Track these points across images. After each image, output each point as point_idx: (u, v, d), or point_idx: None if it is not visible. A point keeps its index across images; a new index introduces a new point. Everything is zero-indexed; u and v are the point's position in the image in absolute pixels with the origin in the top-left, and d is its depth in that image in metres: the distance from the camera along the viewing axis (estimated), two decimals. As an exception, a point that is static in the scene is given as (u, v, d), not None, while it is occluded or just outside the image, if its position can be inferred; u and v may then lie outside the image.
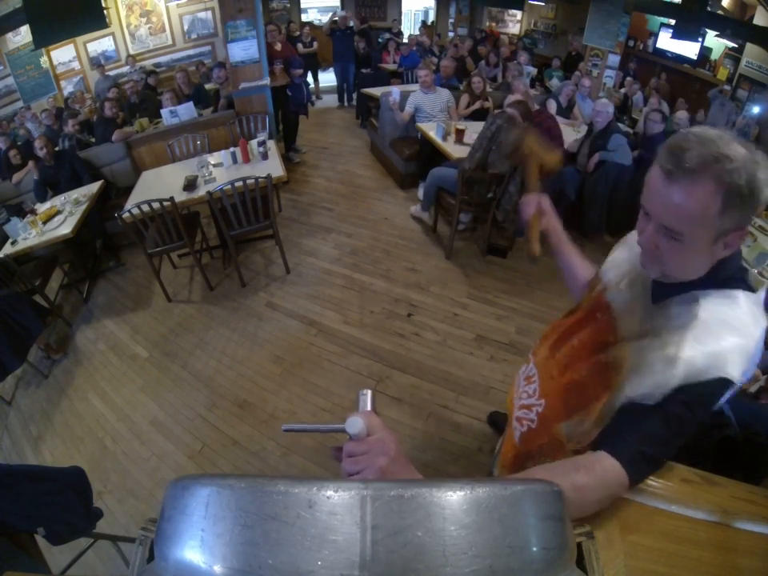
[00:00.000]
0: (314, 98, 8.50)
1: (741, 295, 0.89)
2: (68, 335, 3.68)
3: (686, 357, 0.83)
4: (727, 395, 0.85)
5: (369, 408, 0.69)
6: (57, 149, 4.58)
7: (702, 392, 0.84)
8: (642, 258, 0.94)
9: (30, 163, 4.37)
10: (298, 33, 8.08)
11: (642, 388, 0.89)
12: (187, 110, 5.12)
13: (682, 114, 4.68)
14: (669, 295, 0.94)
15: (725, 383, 0.82)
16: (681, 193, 0.78)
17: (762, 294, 0.91)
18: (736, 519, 0.96)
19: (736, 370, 0.82)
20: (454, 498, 0.38)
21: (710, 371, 0.82)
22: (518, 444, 1.24)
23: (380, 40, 8.94)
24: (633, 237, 1.13)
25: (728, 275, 0.91)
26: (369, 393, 0.71)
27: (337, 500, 0.37)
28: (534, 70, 7.55)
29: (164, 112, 5.06)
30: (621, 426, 0.92)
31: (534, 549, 0.40)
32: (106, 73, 7.69)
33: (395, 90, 5.24)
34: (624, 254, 1.16)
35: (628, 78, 7.52)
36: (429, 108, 4.96)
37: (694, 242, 0.82)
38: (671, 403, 0.85)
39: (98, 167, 4.71)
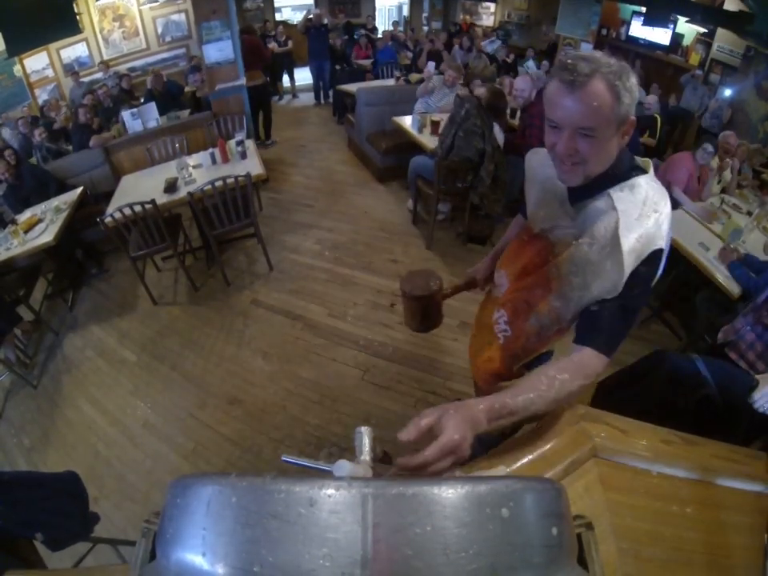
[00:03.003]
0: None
1: (641, 180, 1.05)
2: (54, 343, 3.67)
3: (627, 249, 0.98)
4: (663, 260, 1.03)
5: (367, 448, 0.69)
6: (31, 160, 4.52)
7: (647, 268, 1.01)
8: (561, 172, 1.07)
9: None
10: (273, 32, 8.05)
11: (606, 284, 1.02)
12: (149, 111, 5.05)
13: (651, 98, 4.77)
14: (583, 198, 1.11)
15: (659, 253, 1.00)
16: (585, 95, 0.94)
17: (651, 171, 1.09)
18: (718, 476, 1.00)
19: (662, 239, 1.00)
20: (454, 496, 0.38)
21: (646, 249, 0.99)
22: (503, 348, 1.39)
23: (355, 36, 8.94)
24: (538, 174, 1.31)
25: (625, 168, 1.07)
26: (364, 431, 0.71)
27: (338, 498, 0.37)
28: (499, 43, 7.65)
29: (125, 114, 5.00)
30: (594, 319, 1.07)
31: (535, 546, 0.40)
32: (81, 79, 7.58)
33: (431, 63, 5.52)
34: (539, 192, 1.31)
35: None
36: (437, 100, 5.01)
37: (604, 133, 0.97)
38: (627, 289, 1.00)
39: (76, 174, 4.67)
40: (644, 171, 1.09)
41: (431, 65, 5.41)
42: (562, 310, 1.15)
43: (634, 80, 0.96)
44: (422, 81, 5.39)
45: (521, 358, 1.34)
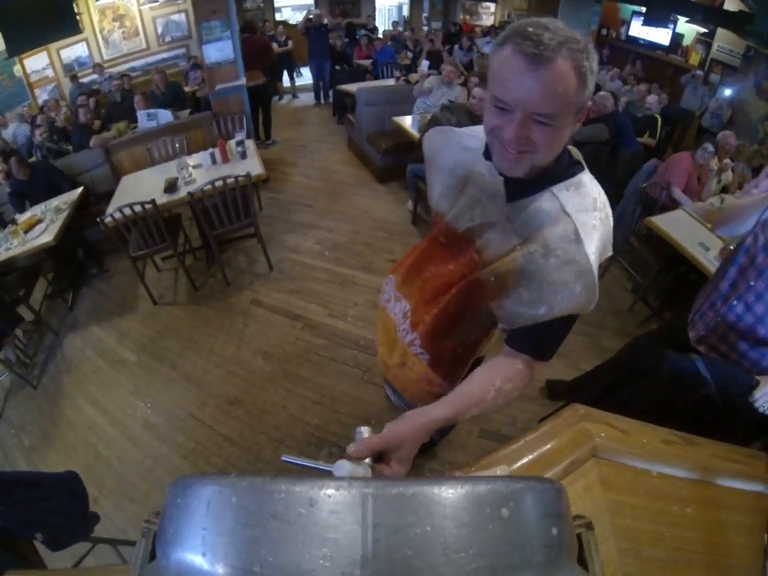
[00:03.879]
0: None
1: (584, 178, 0.96)
2: (54, 343, 3.67)
3: (594, 266, 0.89)
4: None
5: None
6: (32, 160, 4.53)
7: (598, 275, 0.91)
8: (503, 159, 0.90)
9: (0, 177, 4.32)
10: (272, 32, 8.05)
11: (571, 304, 0.93)
12: (164, 116, 5.14)
13: (651, 98, 4.78)
14: (521, 196, 0.96)
15: (610, 258, 0.96)
16: (549, 75, 0.77)
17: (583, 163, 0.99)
18: (718, 476, 1.00)
19: (611, 244, 0.95)
20: (454, 496, 0.38)
21: (602, 259, 0.93)
22: (430, 368, 1.28)
23: (357, 36, 8.95)
24: (444, 158, 1.15)
25: (567, 161, 0.96)
26: (364, 431, 0.72)
27: (338, 498, 0.37)
28: None
29: (140, 114, 5.04)
30: (539, 331, 0.99)
31: (535, 546, 0.40)
32: (81, 80, 7.59)
33: (425, 62, 5.53)
34: (448, 179, 1.14)
35: (602, 71, 7.60)
36: (436, 99, 5.00)
37: (562, 122, 0.83)
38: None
39: (76, 174, 4.68)
40: (581, 164, 0.98)
41: (425, 64, 5.42)
42: (503, 320, 1.06)
43: (596, 60, 0.82)
44: (423, 80, 5.40)
45: (457, 372, 1.28)
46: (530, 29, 0.78)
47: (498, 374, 0.99)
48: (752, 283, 1.68)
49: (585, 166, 0.98)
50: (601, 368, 2.59)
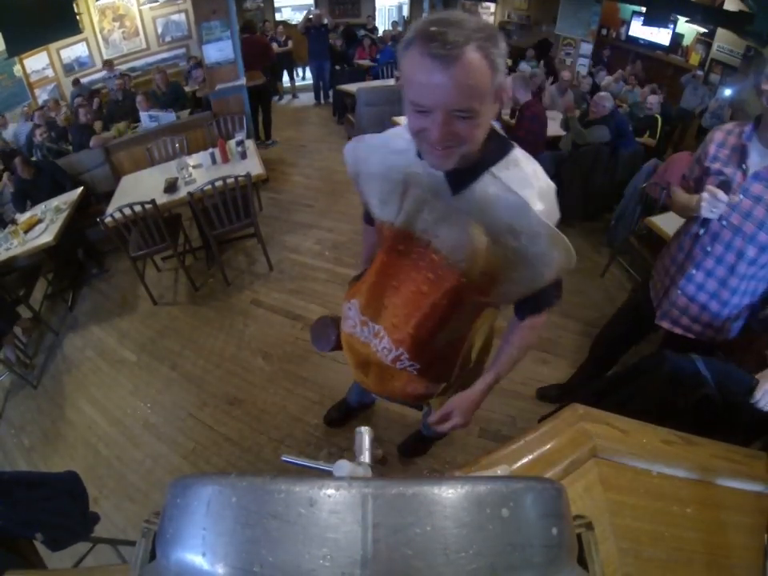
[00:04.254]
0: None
1: (517, 153, 1.01)
2: (54, 343, 3.67)
3: (552, 226, 0.95)
4: None
5: (367, 448, 0.69)
6: (33, 159, 4.55)
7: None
8: (433, 158, 0.93)
9: (5, 176, 4.33)
10: (272, 32, 8.05)
11: (553, 270, 1.02)
12: (167, 118, 5.16)
13: (652, 98, 4.78)
14: (465, 186, 0.99)
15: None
16: (461, 71, 0.78)
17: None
18: (718, 476, 1.00)
19: (557, 207, 1.01)
20: (454, 496, 0.38)
21: (554, 221, 0.98)
22: (421, 377, 1.34)
23: (359, 38, 8.95)
24: (373, 165, 1.15)
25: (497, 141, 1.00)
26: (364, 431, 0.71)
27: (338, 498, 0.37)
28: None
29: (144, 116, 5.05)
30: (538, 297, 1.12)
31: (535, 546, 0.40)
32: (81, 81, 7.59)
33: None
34: (385, 186, 1.14)
35: (602, 71, 7.58)
36: None
37: (483, 111, 0.85)
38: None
39: (77, 173, 4.68)
40: (507, 139, 1.02)
41: None
42: (499, 302, 1.23)
43: (503, 42, 0.83)
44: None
45: (445, 373, 1.37)
46: (434, 28, 0.78)
47: (517, 337, 1.25)
48: (709, 249, 1.69)
49: (510, 139, 1.02)
50: (589, 366, 2.61)
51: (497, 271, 1.03)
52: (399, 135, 1.11)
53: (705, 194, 1.57)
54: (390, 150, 1.10)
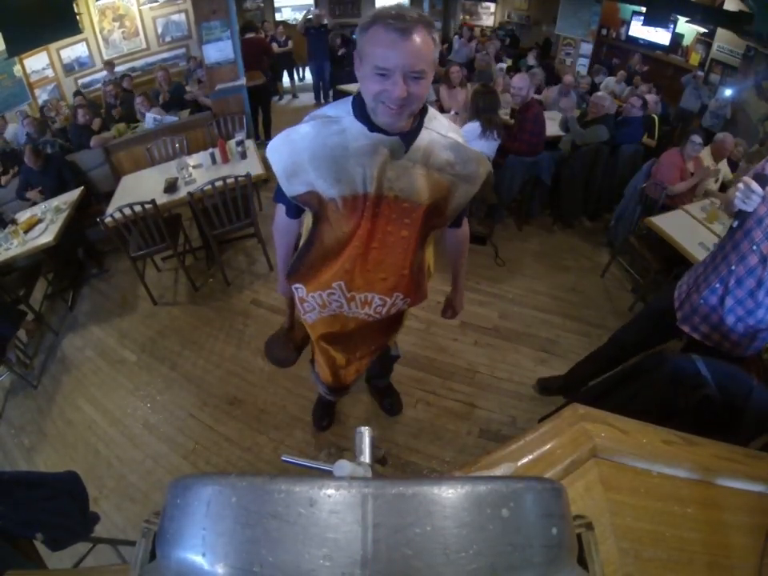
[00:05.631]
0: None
1: (432, 110, 1.34)
2: (54, 343, 3.67)
3: (474, 150, 1.37)
4: None
5: (367, 448, 0.68)
6: (48, 152, 4.55)
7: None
8: (388, 116, 1.17)
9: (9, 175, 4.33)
10: (272, 32, 8.04)
11: (482, 176, 1.39)
12: (169, 120, 5.19)
13: (652, 98, 4.79)
14: (411, 143, 1.27)
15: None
16: (417, 39, 1.05)
17: None
18: (719, 476, 1.00)
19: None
20: (454, 496, 0.38)
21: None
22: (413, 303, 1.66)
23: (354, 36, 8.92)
24: (314, 153, 1.29)
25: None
26: (364, 431, 0.70)
27: (338, 498, 0.37)
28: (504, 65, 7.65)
29: (147, 115, 5.08)
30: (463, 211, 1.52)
31: (535, 546, 0.40)
32: (81, 81, 7.58)
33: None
34: (336, 165, 1.28)
35: (602, 73, 7.55)
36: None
37: (429, 74, 1.12)
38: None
39: (83, 172, 4.68)
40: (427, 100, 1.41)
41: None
42: (448, 221, 1.50)
43: (436, 32, 1.12)
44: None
45: (422, 287, 1.63)
46: (393, 11, 1.05)
47: (462, 244, 1.76)
48: (733, 267, 1.71)
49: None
50: (594, 357, 2.60)
51: (446, 193, 1.36)
52: (320, 120, 1.29)
53: (740, 185, 1.57)
54: (323, 135, 1.27)
